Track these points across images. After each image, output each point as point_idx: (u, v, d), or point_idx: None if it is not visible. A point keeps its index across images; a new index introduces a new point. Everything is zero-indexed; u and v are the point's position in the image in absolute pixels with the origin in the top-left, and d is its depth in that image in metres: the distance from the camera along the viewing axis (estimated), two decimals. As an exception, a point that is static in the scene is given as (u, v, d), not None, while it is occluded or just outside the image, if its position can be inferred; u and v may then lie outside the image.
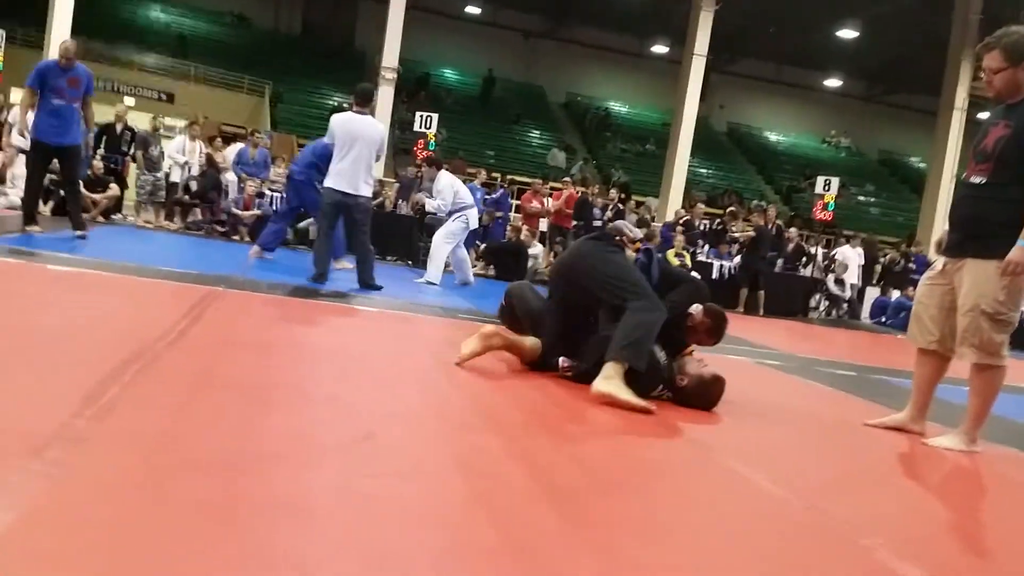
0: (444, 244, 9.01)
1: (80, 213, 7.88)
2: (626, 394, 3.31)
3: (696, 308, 3.84)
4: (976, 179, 3.56)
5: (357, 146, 6.80)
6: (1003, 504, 3.00)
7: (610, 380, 3.36)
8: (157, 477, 1.79)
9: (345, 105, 22.36)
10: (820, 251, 15.62)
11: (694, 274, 11.44)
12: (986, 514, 2.86)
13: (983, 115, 13.49)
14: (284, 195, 9.27)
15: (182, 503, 1.66)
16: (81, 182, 8.50)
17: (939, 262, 3.81)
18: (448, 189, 8.91)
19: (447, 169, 9.41)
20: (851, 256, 14.81)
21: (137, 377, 2.61)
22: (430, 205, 9.26)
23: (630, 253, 4.08)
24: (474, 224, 9.54)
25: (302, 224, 11.28)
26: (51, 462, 1.76)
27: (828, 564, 1.94)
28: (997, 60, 3.54)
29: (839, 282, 14.64)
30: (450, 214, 9.03)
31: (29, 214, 7.52)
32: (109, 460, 1.87)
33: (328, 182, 6.93)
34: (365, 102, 7.03)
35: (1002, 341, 3.50)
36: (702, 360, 3.76)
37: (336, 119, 7.05)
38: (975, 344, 3.49)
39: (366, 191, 6.95)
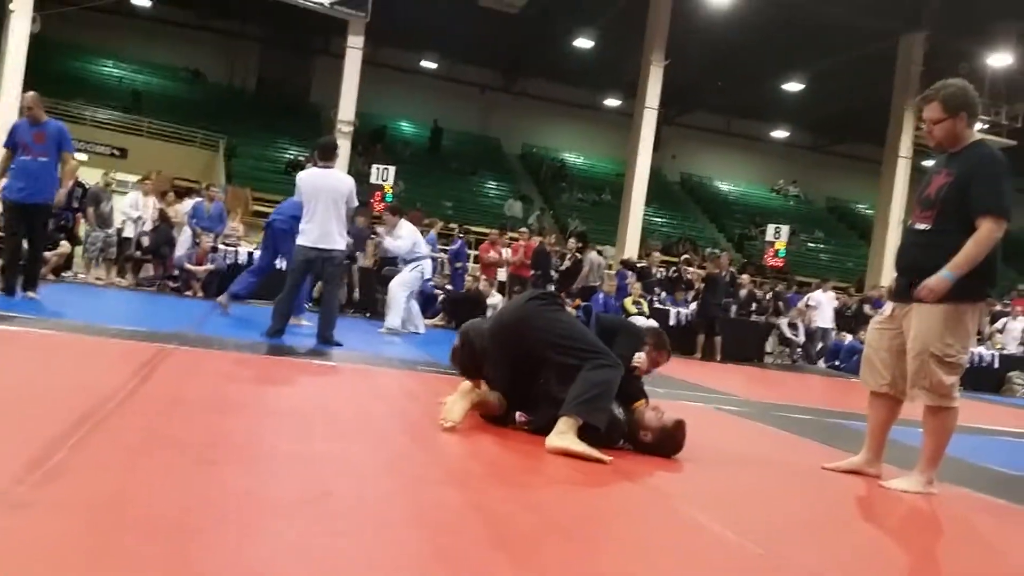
0: (401, 291, 9.20)
1: (37, 274, 7.56)
2: (579, 446, 3.29)
3: (639, 357, 3.85)
4: (920, 226, 3.67)
5: (323, 201, 6.76)
6: (959, 545, 3.03)
7: (563, 435, 3.33)
8: (102, 542, 1.74)
9: (301, 158, 22.47)
10: (772, 296, 15.81)
11: (646, 320, 11.58)
12: (942, 556, 2.88)
13: (928, 162, 13.91)
14: (262, 246, 9.07)
15: (127, 570, 1.61)
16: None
17: (887, 307, 3.89)
18: (408, 237, 9.14)
19: (407, 219, 9.63)
20: (823, 300, 14.97)
21: (84, 439, 2.54)
22: (389, 243, 9.46)
23: (569, 309, 4.05)
24: (428, 274, 9.76)
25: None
26: (-10, 529, 1.70)
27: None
28: (937, 111, 3.67)
29: (792, 326, 14.84)
30: (407, 263, 9.17)
31: (6, 281, 7.24)
32: (52, 526, 1.80)
33: (299, 239, 6.88)
34: (327, 156, 7.01)
35: (952, 383, 3.57)
36: (658, 408, 3.76)
37: (301, 176, 7.05)
38: (926, 387, 3.55)
39: (339, 244, 6.89)
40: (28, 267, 7.47)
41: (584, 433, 3.42)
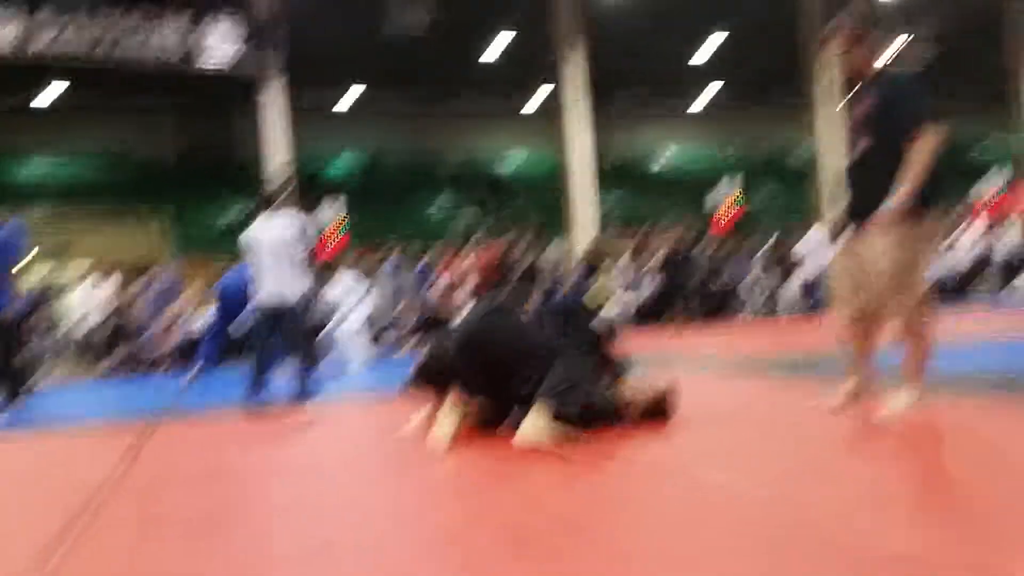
0: (360, 332, 9.95)
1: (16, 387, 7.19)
2: (548, 439, 3.32)
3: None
4: (856, 155, 3.74)
5: (267, 253, 6.52)
6: (958, 451, 3.08)
7: (535, 426, 3.35)
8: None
9: (246, 214, 22.22)
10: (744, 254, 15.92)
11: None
12: (944, 464, 2.93)
13: (851, 93, 14.14)
14: (217, 309, 9.08)
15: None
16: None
17: (844, 236, 3.95)
18: (346, 283, 9.64)
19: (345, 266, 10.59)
20: (817, 238, 14.48)
21: (85, 530, 2.52)
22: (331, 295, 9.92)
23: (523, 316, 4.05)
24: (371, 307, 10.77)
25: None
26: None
27: (803, 546, 1.95)
28: (846, 43, 3.77)
29: (758, 280, 15.01)
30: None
31: None
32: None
33: (256, 299, 6.68)
34: (266, 205, 6.77)
35: (919, 296, 3.63)
36: (641, 381, 3.79)
37: (242, 237, 6.77)
38: (895, 305, 3.61)
39: (296, 291, 6.55)
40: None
41: (578, 419, 3.47)
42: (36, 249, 20.01)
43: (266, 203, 6.80)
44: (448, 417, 3.67)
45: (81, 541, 2.38)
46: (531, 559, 2.04)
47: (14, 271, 7.14)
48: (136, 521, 2.68)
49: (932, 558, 1.80)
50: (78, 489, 3.16)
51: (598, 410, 3.64)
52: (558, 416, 3.35)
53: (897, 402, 3.67)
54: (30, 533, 2.52)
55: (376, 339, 13.46)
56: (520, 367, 3.60)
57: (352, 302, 9.60)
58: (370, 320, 11.03)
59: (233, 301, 8.35)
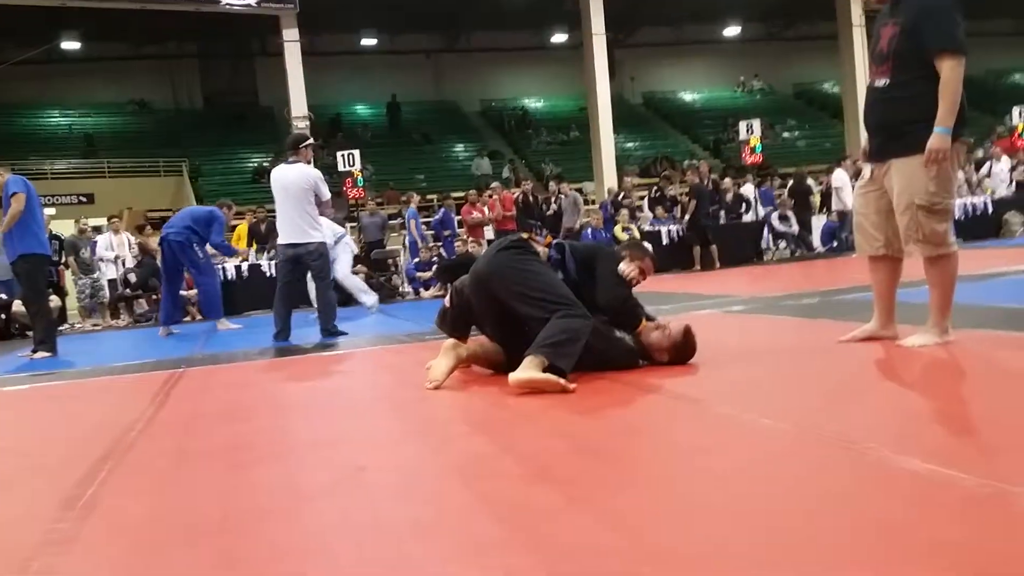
0: (350, 276, 10.24)
1: (39, 331, 7.40)
2: (541, 375, 3.21)
3: (623, 269, 3.78)
4: (879, 82, 3.65)
5: (288, 196, 6.75)
6: (982, 383, 3.06)
7: (525, 370, 3.24)
8: (150, 560, 1.76)
9: (266, 163, 22.29)
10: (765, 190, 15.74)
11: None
12: (968, 396, 2.92)
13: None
14: (162, 266, 9.20)
15: None
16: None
17: (867, 169, 3.89)
18: (326, 227, 9.36)
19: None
20: (846, 178, 14.22)
21: (114, 470, 2.56)
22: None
23: (542, 250, 3.83)
24: (354, 247, 11.25)
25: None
26: (41, 571, 1.72)
27: (830, 473, 1.96)
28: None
29: (783, 218, 14.84)
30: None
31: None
32: (99, 555, 1.83)
33: (279, 239, 6.96)
34: (292, 151, 6.95)
35: (944, 230, 3.58)
36: (662, 326, 3.72)
37: (271, 175, 7.06)
38: (919, 239, 3.56)
39: (315, 236, 6.85)
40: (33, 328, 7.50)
41: (606, 364, 3.49)
42: (63, 200, 20.40)
43: (291, 145, 6.96)
44: (444, 357, 3.65)
45: (110, 480, 2.43)
46: (554, 481, 2.06)
47: (38, 218, 7.23)
48: (165, 459, 2.74)
49: (956, 480, 1.80)
50: (107, 431, 3.22)
51: (612, 357, 3.64)
52: (549, 369, 3.25)
53: (921, 338, 3.64)
54: (59, 475, 2.58)
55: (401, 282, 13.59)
56: (530, 308, 3.49)
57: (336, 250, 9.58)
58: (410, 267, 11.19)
59: (178, 250, 8.72)
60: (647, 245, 4.15)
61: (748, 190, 15.30)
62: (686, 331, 3.69)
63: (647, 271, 3.99)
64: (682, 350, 3.69)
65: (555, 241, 3.96)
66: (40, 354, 7.17)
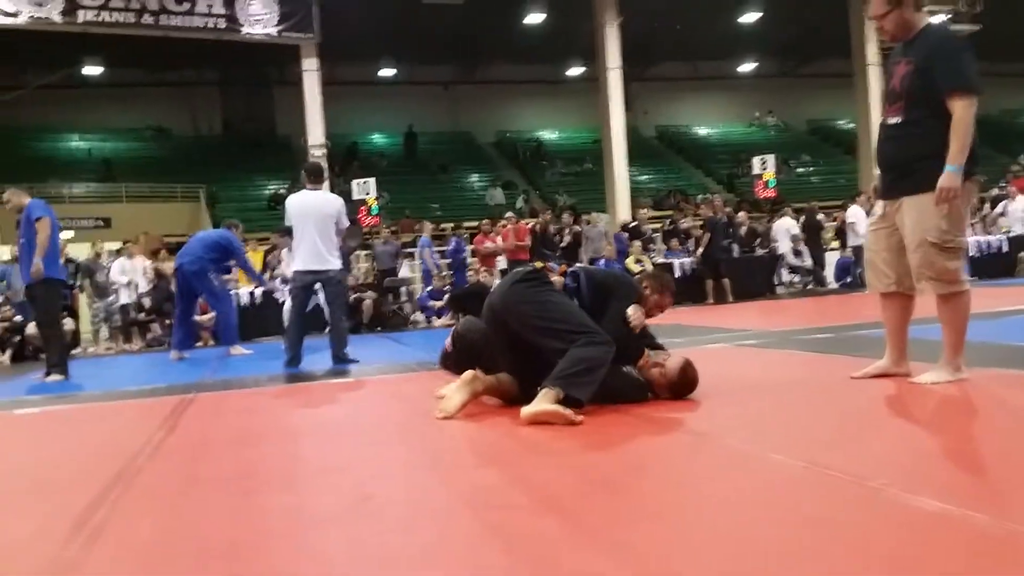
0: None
1: (53, 354, 7.43)
2: (550, 407, 3.21)
3: (631, 315, 3.72)
4: (892, 120, 3.67)
5: (312, 223, 6.79)
6: (996, 422, 3.04)
7: (538, 402, 3.24)
8: (159, 582, 1.76)
9: (282, 191, 22.47)
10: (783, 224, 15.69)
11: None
12: (981, 434, 2.89)
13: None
14: (176, 292, 9.30)
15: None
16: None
17: (878, 206, 3.89)
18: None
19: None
20: (861, 213, 13.90)
21: (123, 494, 2.57)
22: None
23: (557, 279, 3.79)
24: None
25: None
26: (48, 592, 1.73)
27: (840, 510, 1.95)
28: (881, 6, 3.66)
29: (797, 253, 14.82)
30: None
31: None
32: (107, 577, 1.83)
33: (295, 265, 6.98)
34: (316, 178, 7.04)
35: (956, 267, 3.57)
36: (659, 364, 3.69)
37: (290, 201, 7.09)
38: (932, 276, 3.56)
39: (335, 263, 6.90)
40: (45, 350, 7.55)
41: (616, 398, 3.48)
42: (81, 223, 20.59)
43: (312, 174, 7.03)
44: (459, 392, 3.62)
45: (118, 504, 2.44)
46: (562, 512, 2.06)
47: (55, 243, 7.31)
48: (174, 485, 2.74)
49: (968, 519, 1.78)
50: (116, 455, 3.23)
51: (622, 391, 3.62)
52: (563, 401, 3.25)
53: (934, 376, 3.62)
54: (67, 499, 2.58)
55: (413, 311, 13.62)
56: (550, 340, 3.48)
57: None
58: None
59: (191, 279, 8.73)
60: (668, 276, 4.13)
61: (785, 223, 15.17)
62: (682, 371, 3.64)
63: (664, 306, 4.01)
64: (679, 388, 3.67)
65: (570, 269, 3.93)
66: (53, 377, 7.22)
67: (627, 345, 3.69)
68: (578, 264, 4.59)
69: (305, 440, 3.51)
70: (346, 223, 7.12)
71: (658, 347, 3.89)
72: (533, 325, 3.55)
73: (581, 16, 20.55)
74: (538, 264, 3.90)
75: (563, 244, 14.44)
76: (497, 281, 12.81)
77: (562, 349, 3.41)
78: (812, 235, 15.15)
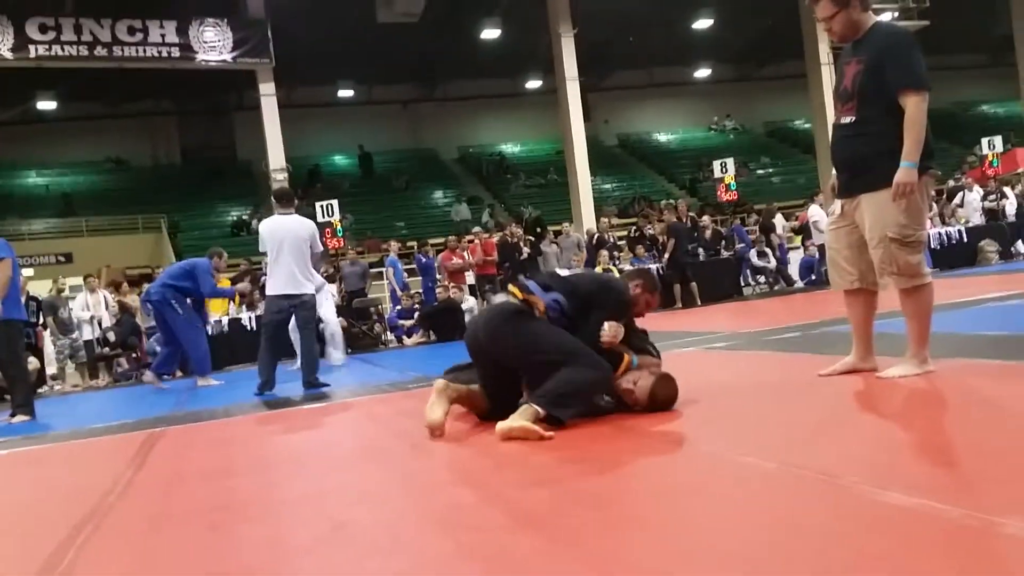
0: (336, 321, 10.30)
1: (18, 395, 7.21)
2: (521, 423, 3.22)
3: (604, 331, 3.62)
4: (846, 119, 3.71)
5: (286, 247, 6.75)
6: (964, 413, 3.07)
7: (514, 418, 3.26)
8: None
9: (244, 216, 22.30)
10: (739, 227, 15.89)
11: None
12: (951, 426, 2.93)
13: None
14: (156, 324, 9.30)
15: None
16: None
17: (836, 205, 3.94)
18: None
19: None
20: (821, 213, 13.95)
21: (93, 534, 2.52)
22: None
23: (540, 307, 3.68)
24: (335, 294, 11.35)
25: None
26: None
27: (814, 510, 1.96)
28: (828, 8, 3.71)
29: (761, 254, 14.96)
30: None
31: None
32: (78, 623, 1.79)
33: (268, 289, 6.93)
34: (287, 202, 6.98)
35: (918, 261, 3.62)
36: (634, 381, 3.61)
37: (263, 226, 7.04)
38: (894, 271, 3.60)
39: (308, 288, 6.86)
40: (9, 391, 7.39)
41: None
42: (42, 260, 20.27)
43: (282, 199, 6.99)
44: (436, 403, 3.61)
45: (89, 545, 2.39)
46: (538, 527, 2.06)
47: (16, 283, 7.15)
48: (145, 522, 2.69)
49: (941, 512, 1.80)
50: (86, 495, 3.17)
51: (602, 408, 3.63)
52: (545, 419, 3.26)
53: (901, 369, 3.66)
54: (36, 541, 2.54)
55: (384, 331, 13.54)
56: (548, 371, 3.45)
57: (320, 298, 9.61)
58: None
59: (160, 310, 8.72)
60: (653, 274, 4.17)
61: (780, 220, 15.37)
62: (651, 396, 3.53)
63: (653, 304, 4.06)
64: (660, 400, 3.56)
65: (552, 298, 3.75)
66: (19, 418, 7.06)
67: (602, 352, 3.67)
68: (563, 271, 4.52)
69: (277, 469, 3.47)
70: (320, 247, 7.08)
71: (649, 353, 3.87)
72: (528, 362, 3.56)
73: (537, 29, 20.68)
74: (516, 292, 3.81)
75: (521, 258, 14.38)
76: (467, 297, 12.84)
77: (551, 373, 3.42)
78: (768, 236, 15.36)
